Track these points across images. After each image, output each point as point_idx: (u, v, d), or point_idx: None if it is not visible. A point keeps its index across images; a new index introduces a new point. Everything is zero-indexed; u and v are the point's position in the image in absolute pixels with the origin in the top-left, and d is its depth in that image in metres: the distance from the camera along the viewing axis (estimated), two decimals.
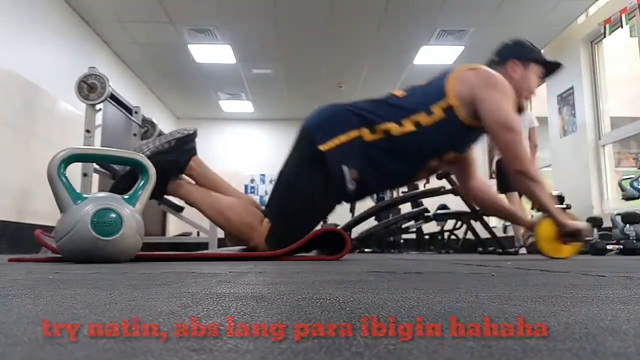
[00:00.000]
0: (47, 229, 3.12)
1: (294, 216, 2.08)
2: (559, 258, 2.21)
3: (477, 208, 4.45)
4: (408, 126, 2.06)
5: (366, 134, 2.06)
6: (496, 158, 5.31)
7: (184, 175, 2.15)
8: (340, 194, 2.13)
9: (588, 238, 2.22)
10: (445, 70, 2.20)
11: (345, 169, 2.05)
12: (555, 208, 2.17)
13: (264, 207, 2.19)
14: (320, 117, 2.17)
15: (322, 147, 2.03)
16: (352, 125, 2.07)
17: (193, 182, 2.15)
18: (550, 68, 2.37)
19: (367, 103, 2.18)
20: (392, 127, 2.06)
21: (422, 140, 2.09)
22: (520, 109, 2.29)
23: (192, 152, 2.16)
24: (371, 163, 2.08)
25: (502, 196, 2.51)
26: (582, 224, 2.18)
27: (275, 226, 2.06)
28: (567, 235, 2.17)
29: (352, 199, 2.24)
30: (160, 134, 4.43)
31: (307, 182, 2.07)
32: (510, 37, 2.46)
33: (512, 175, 2.15)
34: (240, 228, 2.06)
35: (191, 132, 2.05)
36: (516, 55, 2.28)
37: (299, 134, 2.19)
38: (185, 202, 2.15)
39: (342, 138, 2.05)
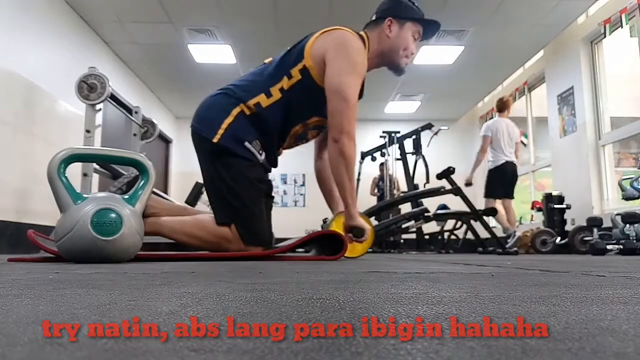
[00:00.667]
0: (47, 229, 3.12)
1: (243, 207, 2.08)
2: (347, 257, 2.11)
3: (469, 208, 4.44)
4: (275, 94, 2.10)
5: (245, 109, 2.10)
6: (489, 166, 5.38)
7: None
8: (259, 165, 2.15)
9: (363, 239, 2.10)
10: (311, 33, 2.18)
11: (247, 144, 2.08)
12: (350, 199, 2.07)
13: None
14: (201, 114, 2.21)
15: (215, 139, 2.06)
16: (230, 106, 2.10)
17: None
18: (429, 27, 2.31)
19: (239, 80, 2.21)
20: (262, 99, 2.09)
21: (286, 105, 2.11)
22: (398, 69, 2.29)
23: None
24: (260, 130, 2.12)
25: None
26: (365, 224, 2.12)
27: (239, 225, 2.06)
28: (349, 230, 2.09)
29: (271, 164, 2.25)
30: (161, 134, 4.43)
31: (227, 173, 2.08)
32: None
33: (329, 144, 2.08)
34: (214, 242, 2.06)
35: (132, 177, 2.04)
36: (392, 13, 2.22)
37: (193, 140, 2.21)
38: (158, 236, 2.14)
39: (227, 120, 2.08)
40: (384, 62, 2.30)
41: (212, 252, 2.12)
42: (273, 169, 2.28)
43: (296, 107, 2.13)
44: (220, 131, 2.06)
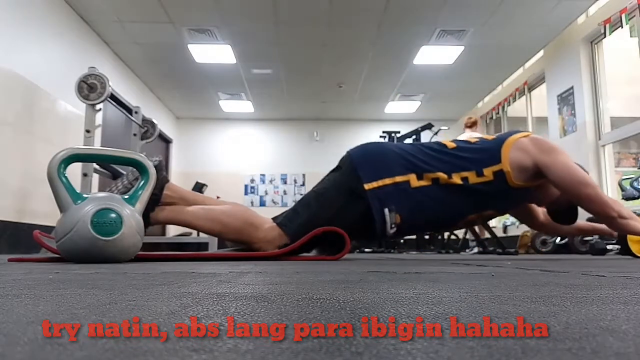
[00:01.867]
0: (47, 229, 3.12)
1: (309, 230, 2.08)
2: None
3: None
4: (456, 180, 2.16)
5: (413, 179, 2.13)
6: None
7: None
8: (379, 233, 2.18)
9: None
10: (500, 137, 2.31)
11: (386, 211, 2.10)
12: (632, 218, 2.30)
13: (278, 214, 2.21)
14: (369, 154, 2.22)
15: (367, 186, 2.08)
16: (400, 169, 2.13)
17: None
18: (568, 214, 2.50)
19: (417, 149, 2.24)
20: (441, 176, 2.15)
21: (467, 195, 2.18)
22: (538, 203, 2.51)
23: (164, 181, 2.14)
24: (414, 208, 2.14)
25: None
26: None
27: (293, 240, 2.07)
28: None
29: (388, 238, 2.32)
30: (161, 134, 4.43)
31: (342, 211, 2.09)
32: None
33: (607, 222, 2.30)
34: (240, 229, 2.06)
35: (156, 162, 2.05)
36: None
37: (344, 163, 2.22)
38: (175, 224, 2.14)
39: (387, 181, 2.11)
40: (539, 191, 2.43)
41: (229, 239, 2.14)
42: (379, 240, 2.34)
43: (480, 200, 2.23)
44: (376, 184, 2.10)
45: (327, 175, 2.28)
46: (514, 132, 2.33)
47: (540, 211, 2.64)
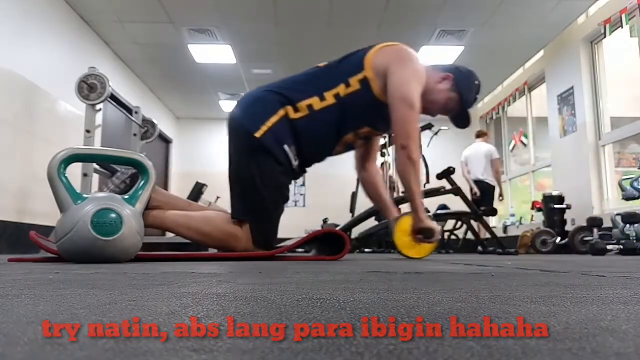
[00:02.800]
0: (47, 229, 3.12)
1: (264, 209, 2.08)
2: (411, 257, 2.20)
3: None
4: (329, 99, 2.11)
5: (290, 111, 2.10)
6: (476, 177, 6.11)
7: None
8: (290, 172, 2.16)
9: (433, 240, 2.17)
10: (369, 46, 2.21)
11: (285, 147, 2.09)
12: (419, 202, 2.12)
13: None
14: (246, 106, 2.18)
15: (257, 134, 2.05)
16: (277, 105, 2.10)
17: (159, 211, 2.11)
18: (460, 117, 2.31)
19: (288, 80, 2.22)
20: (314, 101, 2.11)
21: (340, 112, 2.12)
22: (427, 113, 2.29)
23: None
24: (301, 138, 2.12)
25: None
26: (435, 225, 2.16)
27: (255, 225, 2.06)
28: (419, 232, 2.14)
29: (299, 174, 2.26)
30: (161, 134, 4.42)
31: (259, 171, 2.07)
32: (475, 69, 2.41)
33: (396, 150, 2.12)
34: (221, 239, 2.05)
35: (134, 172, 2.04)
36: (458, 77, 2.24)
37: (231, 129, 2.18)
38: (160, 229, 2.13)
39: (272, 119, 2.08)
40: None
41: (216, 249, 2.12)
42: (294, 179, 2.28)
43: (351, 115, 2.15)
44: (264, 127, 2.06)
45: (228, 150, 2.21)
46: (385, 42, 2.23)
47: (374, 161, 2.49)
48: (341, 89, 2.11)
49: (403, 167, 2.10)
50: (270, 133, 2.06)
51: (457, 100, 2.23)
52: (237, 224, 2.06)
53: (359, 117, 2.17)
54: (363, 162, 2.49)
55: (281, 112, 2.09)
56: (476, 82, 2.30)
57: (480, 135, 6.40)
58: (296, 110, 2.10)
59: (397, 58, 2.11)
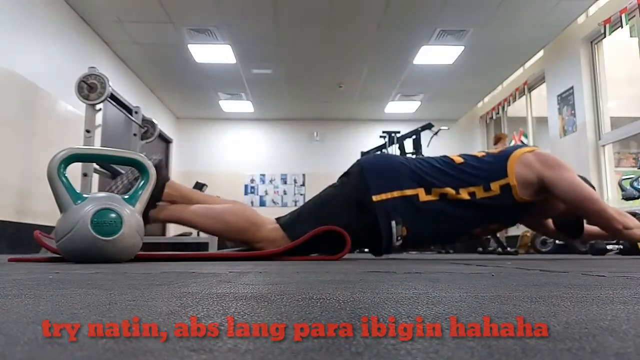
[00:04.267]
0: (47, 229, 3.12)
1: (319, 242, 2.09)
2: None
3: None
4: (463, 194, 2.18)
5: (422, 194, 2.14)
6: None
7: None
8: (384, 246, 2.18)
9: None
10: (506, 151, 2.33)
11: (393, 224, 2.10)
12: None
13: (283, 215, 2.20)
14: (379, 165, 2.23)
15: (375, 198, 2.09)
16: (409, 183, 2.15)
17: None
18: (574, 227, 2.52)
19: (426, 163, 2.26)
20: (449, 191, 2.17)
21: (473, 209, 2.20)
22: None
23: (165, 179, 2.12)
24: (421, 221, 2.15)
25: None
26: None
27: (291, 236, 2.07)
28: None
29: (392, 251, 2.30)
30: (161, 134, 4.41)
31: (348, 222, 2.08)
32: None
33: (613, 234, 2.37)
34: (243, 228, 2.05)
35: (156, 161, 2.04)
36: None
37: (353, 174, 2.23)
38: (176, 223, 2.13)
39: (396, 194, 2.12)
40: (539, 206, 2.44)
41: (230, 238, 2.13)
42: (385, 253, 2.32)
43: (486, 214, 2.25)
44: (384, 196, 2.10)
45: (335, 182, 2.27)
46: (519, 146, 2.37)
47: (550, 220, 2.67)
48: (478, 190, 2.20)
49: (630, 239, 2.37)
50: (388, 204, 2.10)
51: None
52: (265, 218, 2.10)
53: (493, 217, 2.29)
54: (546, 231, 2.72)
55: (410, 192, 2.13)
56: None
57: (499, 139, 6.45)
58: (428, 193, 2.15)
59: (549, 166, 2.26)
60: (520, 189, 2.22)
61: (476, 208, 2.20)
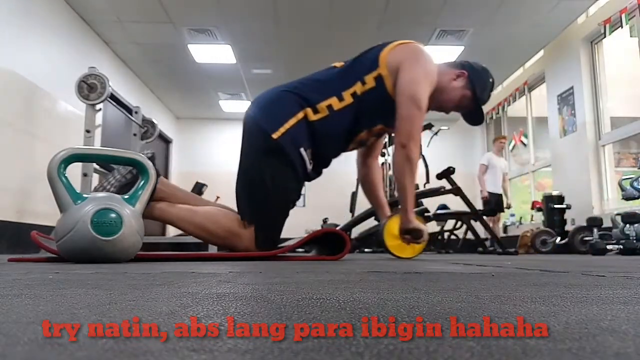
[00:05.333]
0: (47, 229, 3.12)
1: (272, 211, 2.07)
2: (401, 257, 2.22)
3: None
4: (347, 98, 2.11)
5: (310, 113, 2.09)
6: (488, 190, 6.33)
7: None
8: (303, 175, 2.15)
9: (421, 240, 2.20)
10: (385, 43, 2.21)
11: (302, 150, 2.08)
12: (410, 203, 2.14)
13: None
14: (264, 106, 2.17)
15: (275, 135, 2.04)
16: (296, 107, 2.09)
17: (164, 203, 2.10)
18: (473, 115, 2.32)
19: (306, 80, 2.20)
20: (334, 102, 2.10)
21: (356, 111, 2.12)
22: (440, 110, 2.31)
23: (156, 175, 2.11)
24: (318, 139, 2.11)
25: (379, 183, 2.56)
26: (422, 225, 2.18)
27: (259, 227, 2.05)
28: (406, 233, 2.16)
29: (313, 177, 2.25)
30: (161, 134, 4.41)
31: (271, 173, 2.05)
32: (485, 62, 2.43)
33: (396, 148, 2.13)
34: (223, 237, 2.04)
35: (149, 155, 2.03)
36: (472, 75, 2.24)
37: (247, 128, 2.17)
38: (163, 222, 2.12)
39: (291, 121, 2.07)
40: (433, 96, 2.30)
41: (217, 246, 2.11)
42: (306, 181, 2.27)
43: (366, 113, 2.15)
44: (282, 129, 2.04)
45: (241, 149, 2.20)
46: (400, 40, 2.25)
47: (376, 157, 2.50)
48: (358, 87, 2.11)
49: (400, 166, 2.11)
50: (288, 135, 2.05)
51: (470, 97, 2.23)
52: (242, 224, 2.05)
53: (374, 115, 2.17)
54: (365, 158, 2.50)
55: (300, 115, 2.08)
56: (490, 80, 2.31)
57: (499, 141, 6.63)
58: (315, 111, 2.10)
59: (410, 56, 2.11)
60: (390, 80, 2.10)
61: (359, 107, 2.11)
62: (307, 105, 2.09)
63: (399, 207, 2.20)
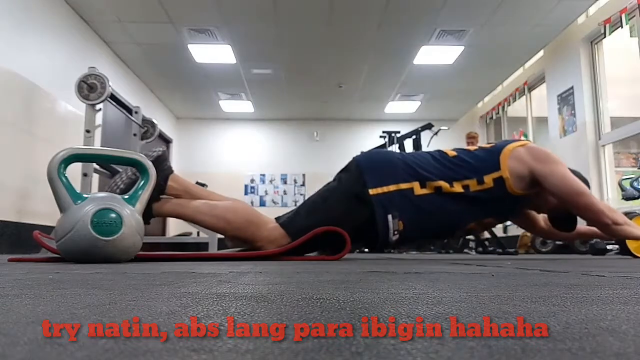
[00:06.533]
0: (47, 229, 3.12)
1: (318, 241, 2.08)
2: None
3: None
4: (457, 188, 2.19)
5: (417, 187, 2.16)
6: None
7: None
8: (381, 240, 2.19)
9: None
10: (498, 145, 2.36)
11: (389, 217, 2.12)
12: (631, 228, 2.38)
13: (282, 214, 2.21)
14: (375, 160, 2.26)
15: (372, 192, 2.10)
16: (405, 177, 2.16)
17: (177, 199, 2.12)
18: (568, 220, 2.52)
19: (421, 157, 2.28)
20: (443, 185, 2.18)
21: (467, 202, 2.21)
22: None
23: (168, 171, 2.12)
24: (417, 215, 2.17)
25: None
26: None
27: (291, 234, 2.07)
28: None
29: (391, 246, 2.31)
30: (161, 134, 4.40)
31: (346, 216, 2.10)
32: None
33: (602, 229, 2.36)
34: (243, 227, 2.06)
35: (160, 152, 2.04)
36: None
37: (350, 168, 2.25)
38: (178, 218, 2.14)
39: (392, 187, 2.13)
40: (535, 197, 2.44)
41: (231, 237, 2.14)
42: (382, 248, 2.32)
43: (480, 208, 2.26)
44: (381, 190, 2.11)
45: (332, 179, 2.29)
46: (511, 140, 2.39)
47: (541, 217, 2.68)
48: (472, 184, 2.21)
49: (618, 234, 2.37)
50: (384, 197, 2.11)
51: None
52: (266, 218, 2.11)
53: (488, 210, 2.30)
54: (534, 228, 2.73)
55: (404, 186, 2.14)
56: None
57: (470, 139, 6.52)
58: (423, 187, 2.16)
59: (540, 160, 2.27)
60: (513, 182, 2.24)
61: (470, 201, 2.21)
62: (418, 179, 2.17)
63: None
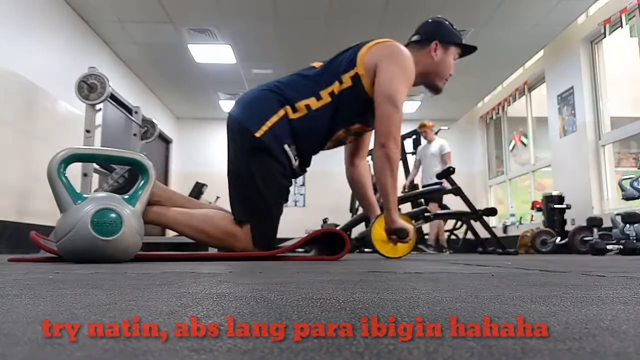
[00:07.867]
0: (47, 229, 3.12)
1: (265, 210, 2.08)
2: (390, 257, 2.23)
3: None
4: (325, 98, 2.13)
5: (289, 111, 2.11)
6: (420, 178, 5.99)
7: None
8: (290, 172, 2.16)
9: (407, 240, 2.20)
10: (361, 43, 2.24)
11: (286, 147, 2.09)
12: (392, 203, 2.14)
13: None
14: (245, 105, 2.18)
15: (258, 134, 2.05)
16: (276, 105, 2.11)
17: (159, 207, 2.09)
18: (466, 50, 2.40)
19: (286, 80, 2.22)
20: (312, 101, 2.12)
21: (334, 109, 2.14)
22: (437, 89, 2.37)
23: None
24: (299, 138, 2.13)
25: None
26: (407, 225, 2.19)
27: (255, 227, 2.06)
28: (392, 233, 2.19)
29: (299, 174, 2.26)
30: (161, 134, 4.41)
31: (260, 172, 2.07)
32: (431, 16, 2.52)
33: (375, 148, 2.14)
34: (221, 238, 2.05)
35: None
36: (439, 37, 2.32)
37: (231, 128, 2.18)
38: (160, 226, 2.13)
39: (272, 119, 2.08)
40: (424, 81, 2.35)
41: (216, 248, 2.12)
42: (294, 179, 2.27)
43: (344, 112, 2.16)
44: (265, 127, 2.06)
45: (229, 161, 2.20)
46: (382, 40, 2.25)
47: (364, 157, 2.49)
48: (335, 87, 2.13)
49: (380, 165, 2.11)
50: (271, 133, 2.06)
51: (457, 51, 2.34)
52: (238, 224, 2.06)
53: (351, 113, 2.19)
54: (352, 159, 2.50)
55: (281, 112, 2.09)
56: (446, 22, 2.42)
57: (423, 127, 6.08)
58: (295, 110, 2.11)
59: (387, 55, 2.13)
60: (367, 79, 2.11)
61: (336, 106, 2.13)
62: (287, 103, 2.11)
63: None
